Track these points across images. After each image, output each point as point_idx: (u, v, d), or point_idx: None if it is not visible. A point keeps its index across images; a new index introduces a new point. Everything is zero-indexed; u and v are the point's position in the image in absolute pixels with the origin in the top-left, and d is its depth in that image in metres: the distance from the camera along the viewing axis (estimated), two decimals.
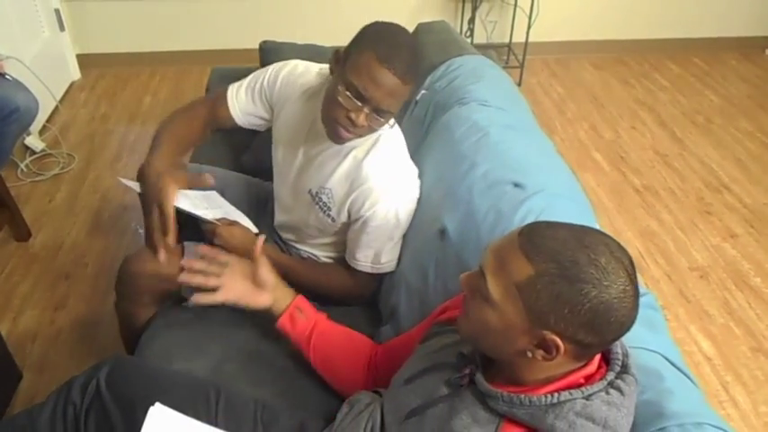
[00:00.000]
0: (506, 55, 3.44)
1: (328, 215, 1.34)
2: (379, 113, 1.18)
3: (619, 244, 0.78)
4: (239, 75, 2.09)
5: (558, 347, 0.75)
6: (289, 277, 1.38)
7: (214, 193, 1.55)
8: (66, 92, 3.18)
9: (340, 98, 1.16)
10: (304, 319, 1.21)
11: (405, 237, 1.35)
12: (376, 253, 1.33)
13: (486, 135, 1.35)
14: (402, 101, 1.20)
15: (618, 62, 3.68)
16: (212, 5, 3.32)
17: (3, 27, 2.56)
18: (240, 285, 1.19)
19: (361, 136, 1.24)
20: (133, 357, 1.28)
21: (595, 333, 0.74)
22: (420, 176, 1.36)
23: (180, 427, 0.99)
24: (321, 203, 1.33)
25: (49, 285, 2.05)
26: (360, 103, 1.15)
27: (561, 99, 3.27)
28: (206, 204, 1.51)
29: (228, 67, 2.17)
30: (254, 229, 1.46)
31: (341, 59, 1.20)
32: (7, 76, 1.90)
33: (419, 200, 1.34)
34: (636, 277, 0.76)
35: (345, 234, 1.36)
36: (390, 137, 1.31)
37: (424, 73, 1.66)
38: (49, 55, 2.99)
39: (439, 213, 1.26)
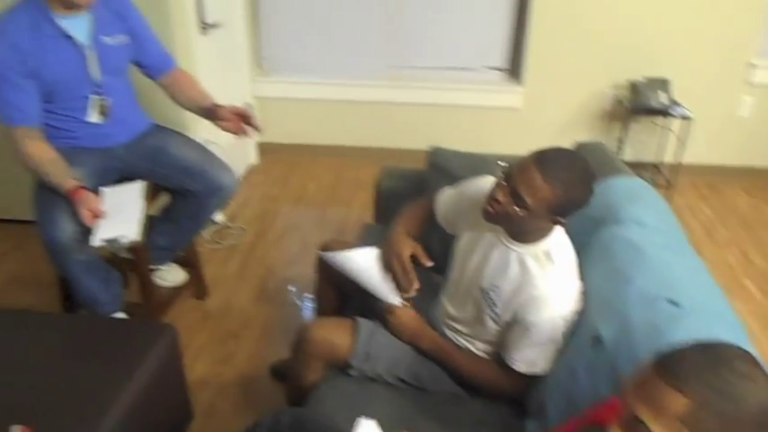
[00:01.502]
0: (655, 174, 3.49)
1: (494, 312, 1.46)
2: (516, 198, 1.31)
3: (732, 344, 0.86)
4: (407, 174, 2.35)
5: None
6: (445, 362, 1.53)
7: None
8: (246, 174, 3.64)
9: (496, 179, 1.36)
10: None
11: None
12: (534, 357, 1.43)
13: (643, 253, 1.44)
14: (541, 199, 1.30)
15: None
16: (384, 108, 3.71)
17: None
18: None
19: (501, 217, 1.36)
20: (311, 411, 1.45)
21: None
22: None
23: None
24: (489, 301, 1.46)
25: (219, 342, 2.33)
26: (504, 182, 1.34)
27: (710, 222, 3.25)
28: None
29: (398, 167, 2.42)
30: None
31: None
32: (217, 157, 2.27)
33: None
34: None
35: (505, 333, 1.47)
36: (562, 249, 1.43)
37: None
38: (238, 141, 3.46)
39: (593, 321, 1.36)
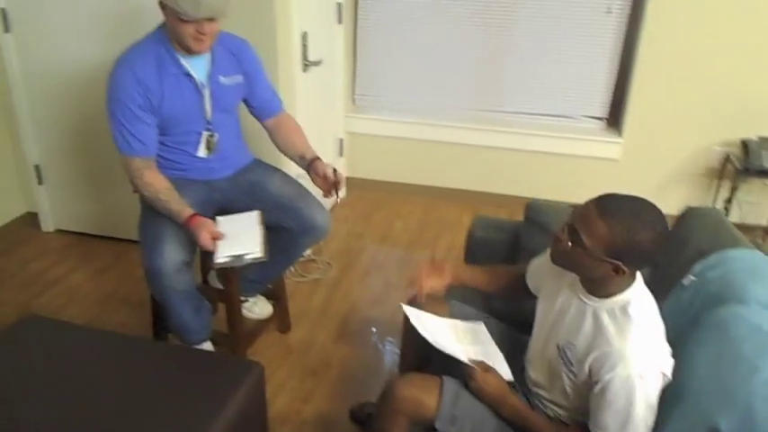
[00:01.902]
0: (763, 239, 3.26)
1: (571, 371, 1.40)
2: (573, 235, 1.32)
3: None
4: (501, 225, 2.30)
5: None
6: (528, 429, 1.46)
7: (482, 327, 1.71)
8: (333, 207, 3.67)
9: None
10: None
11: (663, 425, 1.34)
12: (616, 423, 1.32)
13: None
14: (597, 237, 1.28)
15: None
16: (475, 151, 3.67)
17: None
18: None
19: (562, 257, 1.38)
20: None
21: None
22: (678, 361, 1.36)
23: None
24: (566, 359, 1.41)
25: (299, 378, 2.33)
26: (568, 218, 1.35)
27: None
28: (470, 338, 1.67)
29: (491, 218, 2.37)
30: (509, 376, 1.56)
31: None
32: (313, 196, 2.29)
33: (681, 389, 1.33)
34: None
35: (585, 396, 1.39)
36: (642, 305, 1.36)
37: (689, 259, 1.69)
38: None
39: (709, 411, 1.25)
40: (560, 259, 1.41)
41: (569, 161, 3.55)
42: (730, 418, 1.21)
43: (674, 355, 1.36)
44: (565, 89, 3.51)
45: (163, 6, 1.86)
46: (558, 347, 1.45)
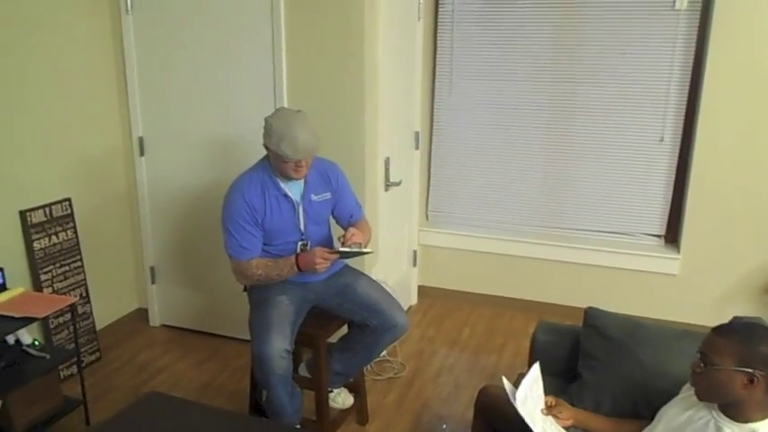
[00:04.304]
0: None
1: None
2: (702, 357, 1.56)
3: None
4: (562, 330, 2.52)
5: None
6: None
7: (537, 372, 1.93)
8: (406, 312, 3.96)
9: None
10: None
11: None
12: None
13: None
14: (719, 352, 1.53)
15: None
16: (540, 264, 3.95)
17: (384, 258, 3.45)
18: None
19: (698, 381, 1.60)
20: None
21: None
22: None
23: None
24: None
25: None
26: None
27: None
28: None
29: (554, 323, 2.60)
30: None
31: None
32: (395, 298, 2.61)
33: None
34: None
35: None
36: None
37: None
38: (402, 283, 3.85)
39: None
40: (701, 389, 1.59)
41: (629, 276, 3.76)
42: None
43: None
44: (624, 208, 3.80)
45: (267, 148, 2.33)
46: None
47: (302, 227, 2.45)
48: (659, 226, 3.78)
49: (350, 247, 2.33)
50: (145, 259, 3.65)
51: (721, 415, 1.58)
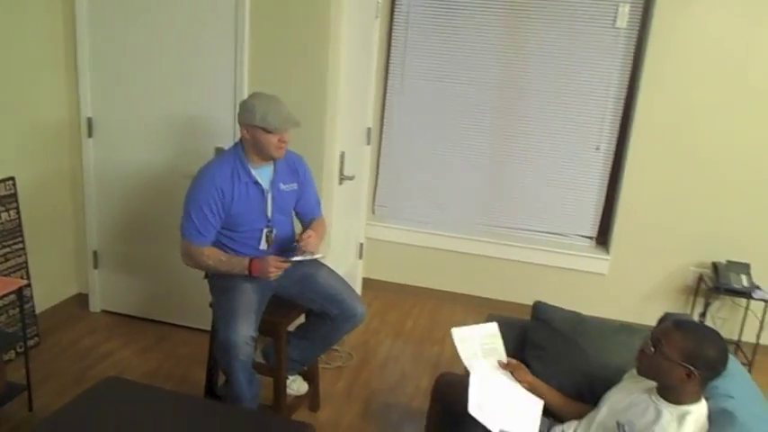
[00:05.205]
0: (734, 352, 3.66)
1: None
2: (654, 342, 1.75)
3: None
4: (510, 323, 2.67)
5: None
6: None
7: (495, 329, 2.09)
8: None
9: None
10: None
11: None
12: None
13: (733, 417, 1.71)
14: (672, 343, 1.71)
15: None
16: (481, 261, 4.14)
17: (335, 250, 3.52)
18: None
19: (646, 366, 1.78)
20: None
21: None
22: None
23: None
24: (622, 430, 1.77)
25: None
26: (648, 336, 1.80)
27: None
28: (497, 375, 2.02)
29: (503, 315, 2.74)
30: (537, 422, 1.95)
31: None
32: (353, 289, 2.69)
33: None
34: None
35: None
36: (697, 419, 1.71)
37: None
38: (348, 274, 3.91)
39: None
40: (645, 368, 1.79)
41: (563, 274, 4.01)
42: None
43: None
44: (560, 211, 4.05)
45: (244, 125, 2.37)
46: (617, 423, 1.80)
47: (269, 213, 2.49)
48: (591, 228, 4.05)
49: (303, 254, 2.40)
50: (88, 243, 3.55)
51: (659, 398, 1.77)
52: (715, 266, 3.63)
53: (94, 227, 3.53)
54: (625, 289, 3.93)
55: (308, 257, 2.42)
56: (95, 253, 3.57)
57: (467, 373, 2.01)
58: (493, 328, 2.15)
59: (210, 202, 2.37)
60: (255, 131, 2.36)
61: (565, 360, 2.28)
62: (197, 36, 3.11)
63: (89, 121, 3.36)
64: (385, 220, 4.29)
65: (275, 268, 2.36)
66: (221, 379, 2.63)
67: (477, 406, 1.91)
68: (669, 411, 1.73)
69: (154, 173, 3.33)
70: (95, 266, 3.59)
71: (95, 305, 3.64)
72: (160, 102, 3.24)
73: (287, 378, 2.71)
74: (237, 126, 2.47)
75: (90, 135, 3.38)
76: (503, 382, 2.05)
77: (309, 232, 2.48)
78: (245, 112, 2.36)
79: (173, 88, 3.21)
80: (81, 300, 3.67)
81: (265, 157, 2.42)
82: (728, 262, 3.60)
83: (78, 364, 3.11)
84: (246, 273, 2.37)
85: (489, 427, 1.86)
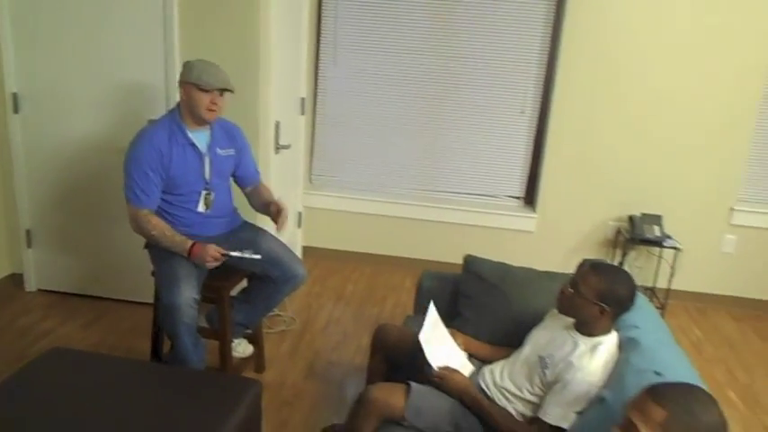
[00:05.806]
0: (650, 297, 3.97)
1: (544, 372, 1.94)
2: (573, 284, 1.94)
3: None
4: (445, 277, 2.83)
5: None
6: (484, 415, 1.97)
7: (439, 322, 2.21)
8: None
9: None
10: None
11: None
12: (562, 413, 1.85)
13: (638, 343, 1.92)
14: (589, 283, 1.90)
15: (756, 318, 4.05)
16: (416, 224, 4.30)
17: None
18: None
19: (566, 304, 1.97)
20: None
21: None
22: None
23: None
24: (543, 364, 1.95)
25: (276, 409, 2.73)
26: (570, 279, 1.94)
27: (699, 341, 3.69)
28: (439, 334, 2.17)
29: (437, 271, 2.91)
30: (470, 368, 2.10)
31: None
32: (294, 252, 2.78)
33: None
34: None
35: (545, 394, 1.92)
36: (608, 349, 1.90)
37: None
38: (289, 243, 3.98)
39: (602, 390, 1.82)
40: (564, 306, 1.97)
41: (494, 233, 4.21)
42: (612, 391, 1.77)
43: None
44: (489, 173, 4.24)
45: (183, 84, 2.43)
46: (539, 357, 1.99)
47: (207, 176, 2.54)
48: (519, 189, 4.26)
49: (242, 253, 2.45)
50: (20, 222, 3.49)
51: (576, 332, 1.97)
52: (631, 219, 3.91)
53: (26, 205, 3.46)
54: (551, 244, 4.17)
55: (247, 257, 2.45)
56: (28, 232, 3.51)
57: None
58: (433, 314, 2.26)
59: (151, 162, 2.41)
60: (190, 89, 2.41)
61: (493, 307, 2.45)
62: (125, 6, 3.08)
63: (14, 96, 3.28)
64: (322, 189, 4.38)
65: (213, 259, 2.40)
66: (166, 347, 2.68)
67: (425, 341, 2.07)
68: (584, 343, 1.92)
69: (86, 147, 3.30)
70: (29, 245, 3.53)
71: (31, 284, 3.59)
72: (89, 74, 3.20)
73: (232, 341, 2.80)
74: (169, 98, 2.50)
75: (16, 111, 3.30)
76: (445, 337, 2.21)
77: (285, 213, 2.57)
78: (185, 70, 2.43)
79: (101, 60, 3.17)
80: (15, 280, 3.61)
81: (198, 119, 2.47)
82: (643, 215, 3.89)
83: (19, 342, 3.08)
84: (186, 255, 2.41)
85: (430, 360, 2.03)
